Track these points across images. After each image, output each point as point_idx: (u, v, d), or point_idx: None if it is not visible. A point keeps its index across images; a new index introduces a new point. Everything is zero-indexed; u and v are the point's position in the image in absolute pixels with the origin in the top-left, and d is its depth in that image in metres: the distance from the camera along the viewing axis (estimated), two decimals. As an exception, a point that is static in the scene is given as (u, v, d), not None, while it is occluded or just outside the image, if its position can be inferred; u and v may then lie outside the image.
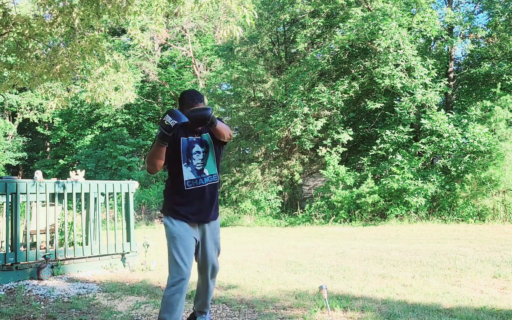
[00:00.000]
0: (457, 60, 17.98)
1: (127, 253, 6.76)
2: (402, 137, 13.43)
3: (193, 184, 3.03)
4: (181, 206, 3.04)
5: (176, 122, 2.73)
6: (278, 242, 9.46)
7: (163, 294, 3.00)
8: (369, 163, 14.22)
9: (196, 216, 3.06)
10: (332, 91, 14.79)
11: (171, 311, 2.87)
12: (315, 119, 15.02)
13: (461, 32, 15.53)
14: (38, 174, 6.92)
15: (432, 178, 12.39)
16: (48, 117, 28.50)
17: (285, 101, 16.26)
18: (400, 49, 13.39)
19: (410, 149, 13.30)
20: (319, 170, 15.97)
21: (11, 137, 28.52)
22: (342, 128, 15.21)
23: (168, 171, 3.11)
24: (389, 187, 12.55)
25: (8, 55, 7.32)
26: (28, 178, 8.77)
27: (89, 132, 27.99)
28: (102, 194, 7.17)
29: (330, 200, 13.87)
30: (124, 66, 7.60)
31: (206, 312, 3.38)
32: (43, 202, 6.80)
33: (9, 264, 5.64)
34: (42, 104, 26.66)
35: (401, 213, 12.32)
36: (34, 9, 20.37)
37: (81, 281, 5.68)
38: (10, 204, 5.84)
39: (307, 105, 14.78)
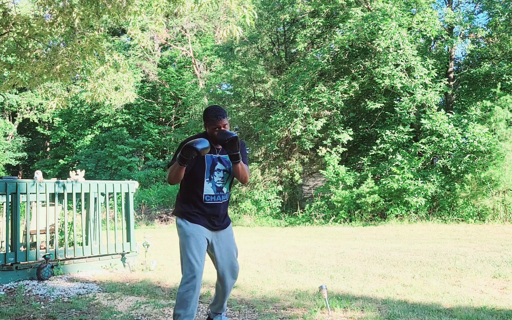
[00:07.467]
0: (457, 60, 17.97)
1: (127, 253, 6.76)
2: (402, 137, 13.42)
3: (211, 199, 3.18)
4: (196, 215, 3.17)
5: (197, 153, 2.91)
6: (278, 242, 9.46)
7: (177, 291, 3.10)
8: (369, 163, 14.22)
9: (210, 225, 3.21)
10: (332, 91, 14.78)
11: (185, 307, 2.99)
12: (315, 119, 15.01)
13: (461, 32, 15.52)
14: (38, 174, 6.93)
15: (432, 178, 12.38)
16: (48, 117, 28.50)
17: (285, 101, 16.25)
18: (400, 49, 13.38)
19: (410, 149, 13.29)
20: (319, 170, 15.96)
21: (11, 137, 28.52)
22: (342, 128, 15.20)
23: (186, 181, 3.19)
24: (389, 187, 12.55)
25: (8, 55, 7.32)
26: (28, 178, 8.78)
27: (89, 132, 28.00)
28: (102, 194, 7.16)
29: (330, 200, 13.86)
30: (124, 66, 7.61)
31: (222, 313, 3.52)
32: (43, 202, 6.80)
33: (9, 264, 5.64)
34: (42, 104, 26.67)
35: (401, 213, 12.32)
36: (34, 9, 20.36)
37: (81, 281, 5.68)
38: (10, 204, 5.83)
39: (307, 105, 14.77)
